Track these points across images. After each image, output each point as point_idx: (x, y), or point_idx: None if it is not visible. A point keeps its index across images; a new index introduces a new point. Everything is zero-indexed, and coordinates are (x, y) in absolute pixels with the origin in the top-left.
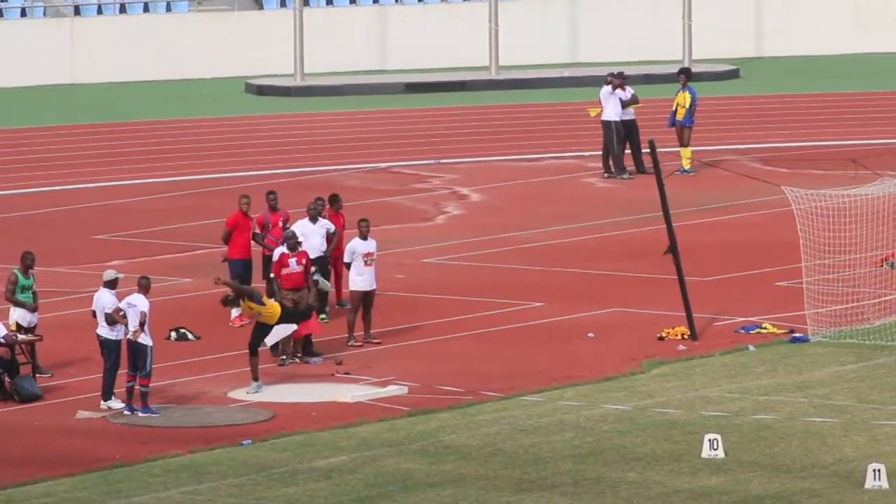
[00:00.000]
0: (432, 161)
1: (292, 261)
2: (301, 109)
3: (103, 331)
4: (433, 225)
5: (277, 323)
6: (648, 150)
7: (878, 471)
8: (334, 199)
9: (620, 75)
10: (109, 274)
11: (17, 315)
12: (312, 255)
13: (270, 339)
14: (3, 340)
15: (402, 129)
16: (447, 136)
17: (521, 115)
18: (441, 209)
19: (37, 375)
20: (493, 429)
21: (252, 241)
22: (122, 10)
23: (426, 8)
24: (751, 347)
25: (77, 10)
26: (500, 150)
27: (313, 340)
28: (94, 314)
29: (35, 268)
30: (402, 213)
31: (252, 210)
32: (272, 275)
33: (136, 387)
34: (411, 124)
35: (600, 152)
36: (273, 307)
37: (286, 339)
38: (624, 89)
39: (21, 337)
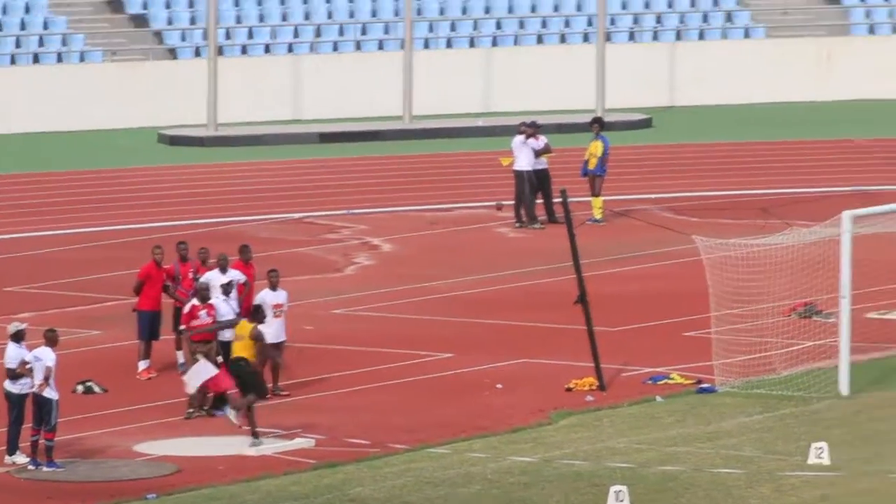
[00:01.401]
0: (344, 212)
1: (202, 313)
2: (214, 160)
3: (7, 384)
4: (343, 276)
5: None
6: (560, 200)
7: None
8: (243, 250)
9: (533, 124)
10: (14, 327)
11: None
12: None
13: (192, 385)
14: None
15: (315, 180)
16: (359, 186)
17: (433, 164)
18: (351, 260)
19: None
20: (400, 481)
21: (163, 293)
22: (36, 60)
23: (340, 57)
24: (658, 398)
25: None
26: (411, 199)
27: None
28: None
29: None
30: (313, 263)
31: (165, 261)
32: (182, 327)
33: (41, 441)
34: (325, 174)
35: (512, 202)
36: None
37: (199, 391)
38: (536, 138)
39: None
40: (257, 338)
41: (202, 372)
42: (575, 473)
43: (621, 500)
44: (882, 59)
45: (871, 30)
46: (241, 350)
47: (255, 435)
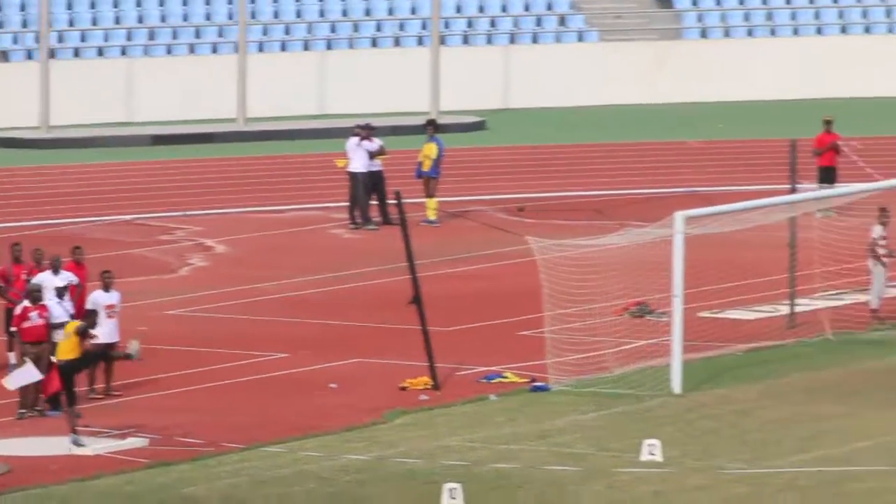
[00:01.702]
0: (180, 213)
1: (34, 314)
2: (47, 162)
3: None
4: (177, 277)
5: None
6: (395, 201)
7: None
8: (76, 251)
9: (367, 127)
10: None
11: None
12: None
13: (13, 384)
14: None
15: (148, 182)
16: (194, 188)
17: (268, 166)
18: (185, 261)
19: None
20: (233, 480)
21: None
22: None
23: (174, 60)
24: (492, 397)
25: None
26: (246, 201)
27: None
28: None
29: None
30: (146, 265)
31: None
32: (13, 328)
33: None
34: (159, 176)
35: (347, 203)
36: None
37: (29, 390)
38: (371, 141)
39: None
40: (79, 332)
41: (25, 375)
42: (409, 471)
43: (455, 498)
44: (713, 62)
45: (703, 33)
46: (67, 348)
47: (74, 432)
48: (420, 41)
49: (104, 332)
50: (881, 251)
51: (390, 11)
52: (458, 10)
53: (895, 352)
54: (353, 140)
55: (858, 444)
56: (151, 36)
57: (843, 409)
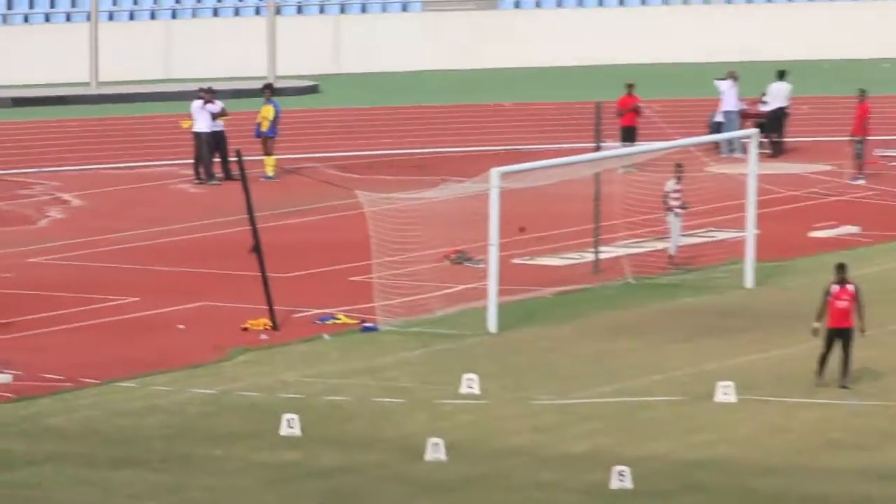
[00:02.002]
0: (35, 170)
1: None
2: None
3: None
4: (37, 228)
5: None
6: (236, 159)
7: (437, 444)
8: None
9: (210, 90)
10: None
11: None
12: None
13: None
14: None
15: (9, 140)
16: (51, 147)
17: (119, 126)
18: (44, 214)
19: None
20: (91, 412)
21: None
22: None
23: (31, 28)
24: (326, 336)
25: None
26: (100, 159)
27: None
28: None
29: None
30: (7, 217)
31: None
32: None
33: None
34: (18, 135)
35: (192, 161)
36: None
37: None
38: (213, 103)
39: None
40: None
41: None
42: (251, 404)
43: (292, 427)
44: (526, 30)
45: (517, 4)
46: None
47: None
48: (258, 11)
49: None
50: (674, 203)
51: None
52: None
53: (688, 293)
54: (198, 102)
55: (654, 376)
56: (9, 6)
57: (642, 345)
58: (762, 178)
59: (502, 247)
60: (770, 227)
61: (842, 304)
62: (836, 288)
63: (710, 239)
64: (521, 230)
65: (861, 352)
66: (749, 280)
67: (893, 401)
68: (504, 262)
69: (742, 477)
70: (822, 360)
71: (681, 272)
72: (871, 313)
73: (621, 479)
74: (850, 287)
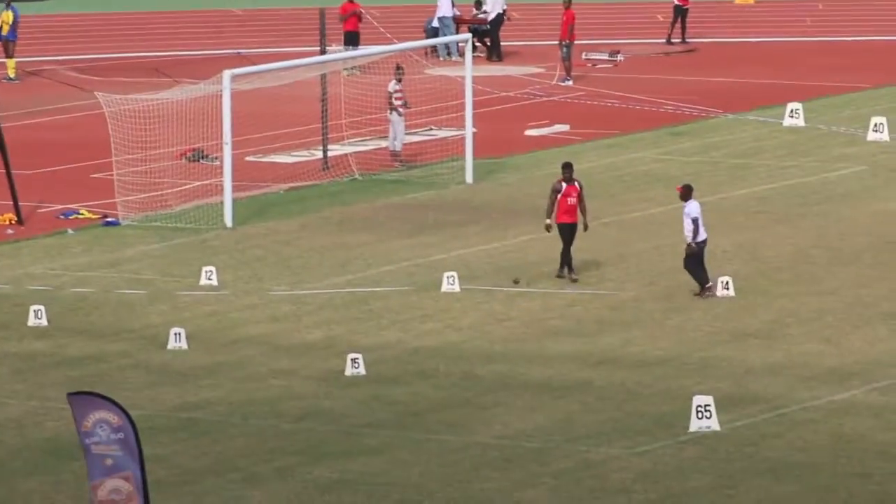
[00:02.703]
0: None
1: None
2: None
3: None
4: None
5: None
6: None
7: (179, 334)
8: None
9: None
10: None
11: None
12: None
13: None
14: None
15: None
16: None
17: None
18: None
19: None
20: None
21: None
22: None
23: None
24: (70, 231)
25: None
26: None
27: None
28: None
29: None
30: None
31: None
32: None
33: None
34: None
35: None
36: None
37: None
38: None
39: None
40: None
41: None
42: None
43: (39, 318)
44: None
45: None
46: None
47: None
48: None
49: None
50: (397, 102)
51: None
52: None
53: (412, 189)
54: None
55: (384, 268)
56: None
57: (371, 238)
58: (479, 80)
59: (235, 145)
60: (487, 126)
61: (571, 200)
62: (564, 186)
63: (431, 137)
64: (516, 282)
65: (578, 243)
66: (469, 176)
67: (608, 289)
68: (238, 160)
69: (468, 363)
70: (565, 255)
71: (405, 168)
72: (587, 208)
73: (355, 366)
74: (576, 184)
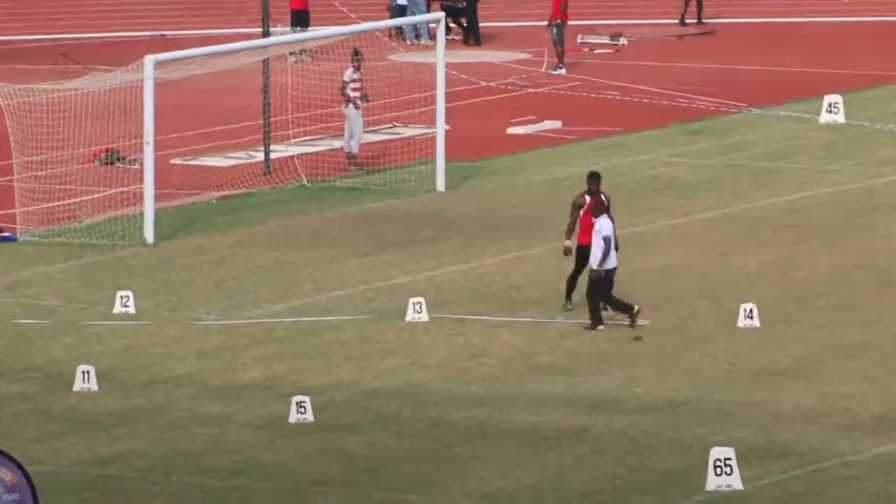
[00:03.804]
0: None
1: None
2: None
3: None
4: None
5: None
6: None
7: (88, 372)
8: None
9: None
10: None
11: None
12: None
13: None
14: None
15: None
16: None
17: None
18: None
19: None
20: None
21: None
22: None
23: None
24: None
25: None
26: None
27: None
28: None
29: None
30: None
31: None
32: None
33: None
34: None
35: None
36: None
37: None
38: None
39: None
40: None
41: None
42: None
43: None
44: None
45: None
46: None
47: None
48: None
49: None
50: (354, 94)
51: None
52: None
53: (371, 198)
54: None
55: (337, 292)
56: None
57: (322, 256)
58: (453, 68)
59: (159, 144)
60: (463, 123)
61: None
62: (588, 200)
63: (395, 136)
64: (637, 338)
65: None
66: (440, 182)
67: (607, 318)
68: (161, 163)
69: (438, 407)
70: (572, 282)
71: (363, 173)
72: None
73: (301, 410)
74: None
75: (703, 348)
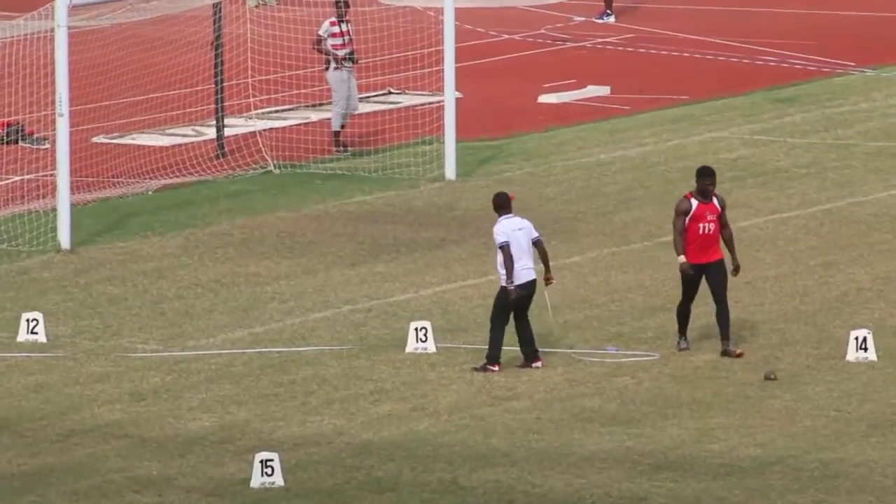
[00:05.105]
0: None
1: None
2: None
3: None
4: None
5: None
6: None
7: None
8: None
9: None
10: None
11: None
12: None
13: None
14: None
15: None
16: None
17: None
18: None
19: None
20: None
21: None
22: None
23: None
24: None
25: None
26: None
27: None
28: None
29: None
30: None
31: None
32: None
33: None
34: None
35: None
36: None
37: None
38: None
39: None
40: None
41: None
42: None
43: None
44: None
45: None
46: None
47: None
48: None
49: None
50: (337, 52)
51: None
52: None
53: (358, 189)
54: None
55: (314, 314)
56: None
57: (295, 266)
58: (464, 15)
59: (76, 117)
60: (479, 89)
61: (708, 227)
62: (695, 203)
63: (389, 106)
64: (771, 377)
65: (637, 276)
66: (450, 168)
67: (673, 349)
68: (80, 141)
69: (448, 467)
70: (686, 314)
71: (348, 156)
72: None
73: (267, 471)
74: (715, 202)
75: (800, 390)
